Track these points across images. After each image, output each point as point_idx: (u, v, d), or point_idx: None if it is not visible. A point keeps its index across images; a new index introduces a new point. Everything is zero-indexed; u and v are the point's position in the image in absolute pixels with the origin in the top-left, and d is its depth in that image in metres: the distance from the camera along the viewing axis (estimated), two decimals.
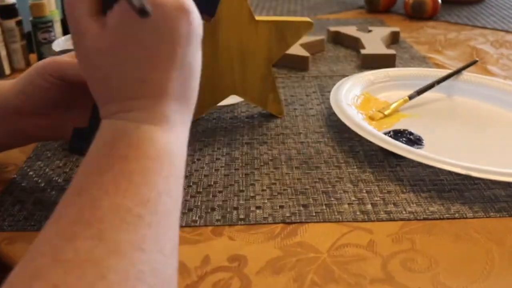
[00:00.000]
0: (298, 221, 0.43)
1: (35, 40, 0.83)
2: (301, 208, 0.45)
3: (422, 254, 0.40)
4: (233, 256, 0.39)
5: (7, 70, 0.81)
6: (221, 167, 0.52)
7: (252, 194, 0.47)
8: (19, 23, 0.81)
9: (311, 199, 0.47)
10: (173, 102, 0.32)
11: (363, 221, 0.43)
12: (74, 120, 0.44)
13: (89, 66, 0.32)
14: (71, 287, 0.22)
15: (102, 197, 0.26)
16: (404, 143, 0.53)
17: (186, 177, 0.50)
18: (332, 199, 0.47)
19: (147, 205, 0.27)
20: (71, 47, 0.80)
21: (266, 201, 0.46)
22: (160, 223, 0.27)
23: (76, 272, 0.23)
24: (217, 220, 0.44)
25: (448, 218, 0.44)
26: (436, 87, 0.68)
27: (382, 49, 0.83)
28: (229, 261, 0.39)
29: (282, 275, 0.37)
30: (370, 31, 0.94)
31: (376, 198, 0.47)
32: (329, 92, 0.64)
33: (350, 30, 0.95)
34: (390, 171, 0.51)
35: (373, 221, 0.43)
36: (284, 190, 0.48)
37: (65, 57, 0.42)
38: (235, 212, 0.45)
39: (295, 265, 0.38)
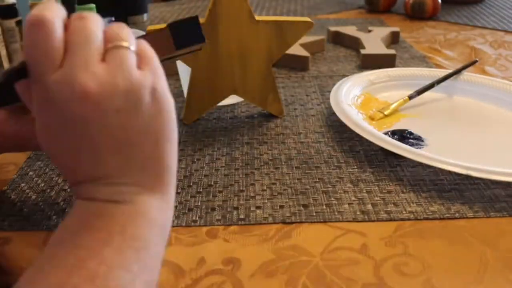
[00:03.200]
0: (298, 221, 0.44)
1: None
2: (301, 208, 0.45)
3: (415, 258, 0.39)
4: (227, 258, 0.39)
5: None
6: (221, 167, 0.52)
7: (252, 194, 0.47)
8: (19, 23, 0.81)
9: (311, 199, 0.47)
10: (116, 174, 0.29)
11: (363, 221, 0.44)
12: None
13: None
14: None
15: (52, 271, 0.25)
16: (404, 143, 0.53)
17: (186, 177, 0.50)
18: (332, 199, 0.47)
19: (95, 282, 0.24)
20: None
21: (266, 201, 0.46)
22: None
23: None
24: (217, 220, 0.44)
25: (448, 218, 0.44)
26: (436, 87, 0.68)
27: (382, 49, 0.83)
28: (223, 264, 0.39)
29: (274, 278, 0.37)
30: (370, 31, 0.94)
31: (376, 198, 0.47)
32: (329, 92, 0.64)
33: (350, 30, 0.95)
34: (390, 171, 0.51)
35: (374, 220, 0.44)
36: (284, 190, 0.48)
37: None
38: (235, 212, 0.45)
39: (287, 269, 0.38)
